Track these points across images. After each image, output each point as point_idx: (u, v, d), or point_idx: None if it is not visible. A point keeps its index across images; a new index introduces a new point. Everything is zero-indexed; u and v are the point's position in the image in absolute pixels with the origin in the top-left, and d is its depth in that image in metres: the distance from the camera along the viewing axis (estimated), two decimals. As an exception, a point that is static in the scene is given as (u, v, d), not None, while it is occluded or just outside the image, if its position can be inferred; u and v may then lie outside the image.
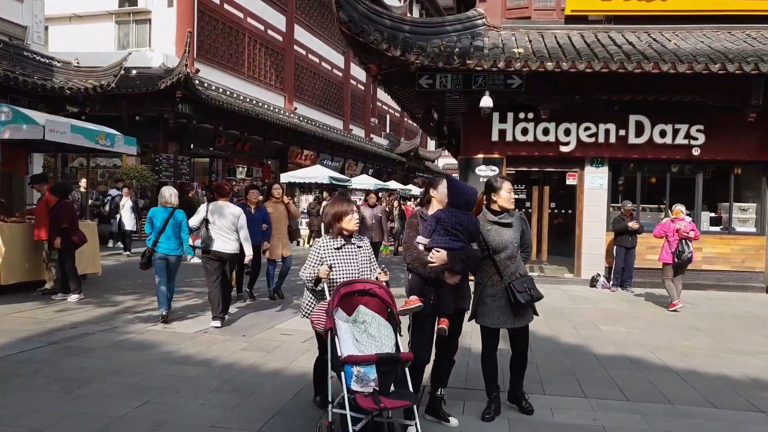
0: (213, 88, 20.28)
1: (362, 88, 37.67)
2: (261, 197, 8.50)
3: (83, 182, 11.50)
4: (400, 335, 3.36)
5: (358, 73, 36.44)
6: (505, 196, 3.84)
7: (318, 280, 3.52)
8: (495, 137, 10.65)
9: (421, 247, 3.60)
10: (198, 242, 6.59)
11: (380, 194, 25.83)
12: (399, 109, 46.74)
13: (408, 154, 43.16)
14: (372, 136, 39.19)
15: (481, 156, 11.01)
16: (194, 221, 6.58)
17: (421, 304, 3.49)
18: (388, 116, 44.69)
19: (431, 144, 57.30)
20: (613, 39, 9.96)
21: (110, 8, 20.75)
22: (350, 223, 3.57)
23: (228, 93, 21.17)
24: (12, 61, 12.50)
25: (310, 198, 16.56)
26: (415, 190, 33.06)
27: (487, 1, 11.04)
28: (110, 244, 14.38)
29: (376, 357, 3.09)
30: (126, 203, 13.50)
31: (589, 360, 5.66)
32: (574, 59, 8.93)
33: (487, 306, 3.76)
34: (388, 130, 44.31)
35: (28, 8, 13.63)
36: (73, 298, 7.54)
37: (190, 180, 20.10)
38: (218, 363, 5.02)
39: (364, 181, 23.62)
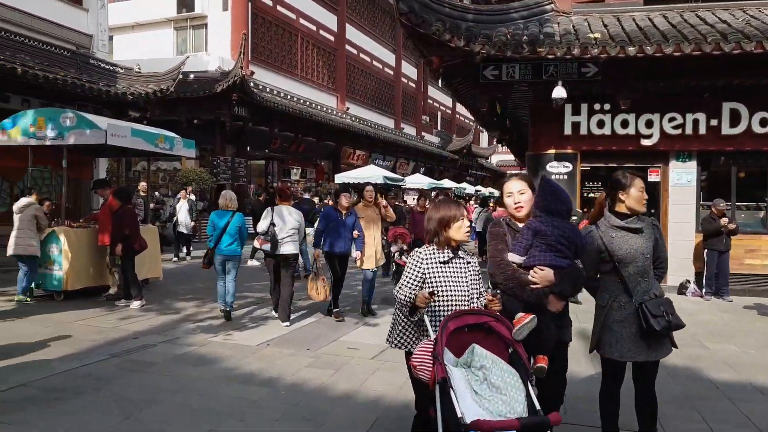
0: (268, 90, 20.28)
1: (413, 85, 37.21)
2: (353, 200, 7.50)
3: (143, 185, 11.34)
4: (532, 385, 2.50)
5: (409, 70, 36.05)
6: (636, 195, 3.15)
7: (414, 308, 2.73)
8: (568, 131, 9.93)
9: (514, 265, 2.94)
10: (266, 246, 6.80)
11: (433, 193, 25.35)
12: (450, 105, 46.41)
13: (460, 151, 42.35)
14: (423, 134, 38.65)
15: (552, 151, 10.30)
16: (262, 225, 6.81)
17: (534, 316, 2.70)
18: (439, 113, 44.03)
19: (484, 140, 56.36)
20: (702, 18, 9.06)
21: (169, 15, 21.09)
22: (460, 231, 2.83)
23: (282, 95, 21.14)
24: (79, 69, 12.71)
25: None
26: (470, 189, 32.31)
27: (556, -15, 10.31)
28: (175, 257, 12.86)
29: (518, 424, 2.20)
30: (182, 206, 12.97)
31: (704, 387, 4.81)
32: (659, 42, 8.13)
33: (614, 334, 3.04)
34: (439, 128, 43.68)
35: (93, 17, 13.88)
36: (135, 304, 7.42)
37: (247, 182, 20.18)
38: (284, 382, 4.64)
39: (417, 180, 23.13)
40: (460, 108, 49.17)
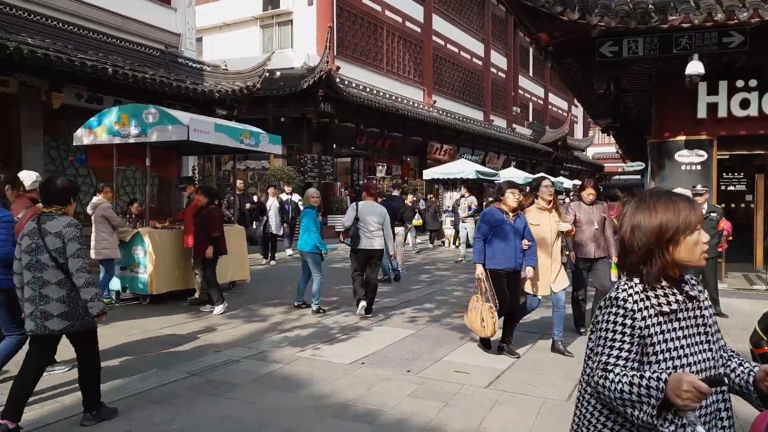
0: (353, 85, 19.77)
1: (503, 75, 35.63)
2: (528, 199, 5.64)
3: (240, 183, 11.03)
4: None
5: (498, 60, 34.52)
6: None
7: (665, 407, 1.38)
8: (702, 113, 8.51)
9: None
10: (348, 240, 6.96)
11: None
12: (542, 96, 44.17)
13: (555, 143, 40.11)
14: (514, 126, 36.91)
15: (682, 138, 8.92)
16: (347, 220, 6.89)
17: None
18: (530, 104, 42.03)
19: (578, 131, 53.34)
20: None
21: (255, 13, 21.12)
22: (695, 251, 1.54)
23: (368, 90, 20.57)
24: (167, 68, 12.68)
25: (455, 195, 15.22)
26: (567, 183, 30.35)
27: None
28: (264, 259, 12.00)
29: None
30: (273, 204, 12.12)
31: None
32: (830, -1, 6.63)
33: None
34: (531, 119, 41.66)
35: (181, 16, 13.86)
36: (218, 309, 6.95)
37: (334, 180, 19.80)
38: (384, 418, 3.85)
39: (512, 175, 21.75)
40: (553, 98, 46.83)
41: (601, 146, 55.32)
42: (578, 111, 54.56)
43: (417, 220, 14.75)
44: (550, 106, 46.10)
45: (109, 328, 6.13)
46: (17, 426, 3.37)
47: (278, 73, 18.09)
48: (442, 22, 27.58)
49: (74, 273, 3.39)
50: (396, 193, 11.39)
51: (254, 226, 11.73)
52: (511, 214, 5.24)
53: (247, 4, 21.21)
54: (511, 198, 5.26)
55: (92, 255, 7.03)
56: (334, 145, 20.24)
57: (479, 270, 5.23)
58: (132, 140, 7.20)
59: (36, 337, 3.49)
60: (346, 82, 19.28)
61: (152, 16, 13.11)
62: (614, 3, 7.83)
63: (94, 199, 7.18)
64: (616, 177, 52.90)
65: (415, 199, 14.52)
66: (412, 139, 24.04)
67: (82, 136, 7.56)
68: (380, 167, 24.61)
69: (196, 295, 7.62)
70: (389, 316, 7.02)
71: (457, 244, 14.50)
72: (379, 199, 9.72)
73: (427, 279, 10.34)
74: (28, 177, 4.93)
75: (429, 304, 7.89)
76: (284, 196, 12.86)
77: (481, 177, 17.05)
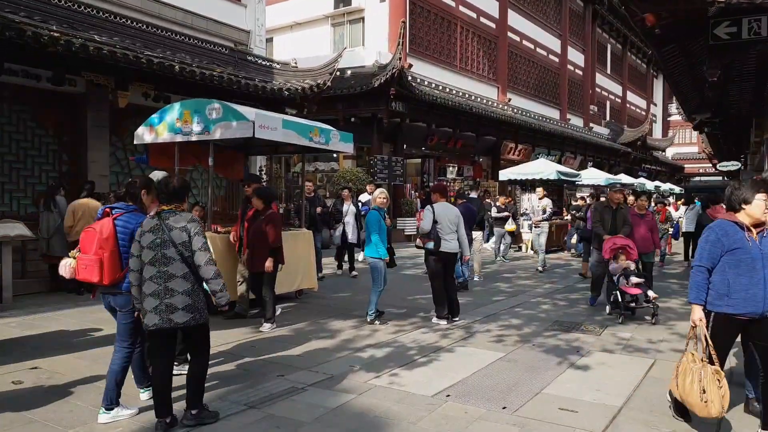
0: (425, 83, 19.02)
1: (580, 73, 33.86)
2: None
3: (309, 185, 10.00)
4: None
5: (575, 57, 32.86)
6: None
7: None
8: None
9: None
10: (430, 244, 6.65)
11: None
12: (620, 94, 41.85)
13: (634, 143, 37.94)
14: (591, 125, 35.01)
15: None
16: (426, 224, 6.64)
17: None
18: (608, 102, 39.84)
19: (657, 131, 50.28)
20: None
21: (326, 11, 20.77)
22: None
23: (440, 88, 19.76)
24: (236, 66, 12.40)
25: (533, 197, 14.08)
26: (649, 185, 28.40)
27: None
28: (338, 269, 10.84)
29: None
30: (349, 209, 10.50)
31: None
32: None
33: None
34: (608, 118, 39.48)
35: (251, 13, 13.59)
36: (267, 327, 6.21)
37: (404, 181, 19.12)
38: (484, 478, 3.06)
39: (593, 176, 20.36)
40: (631, 96, 44.30)
41: (681, 146, 52.17)
42: (657, 110, 51.52)
43: (510, 226, 13.66)
44: (628, 105, 43.63)
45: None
46: (173, 418, 3.62)
47: (349, 72, 17.63)
48: (518, 18, 26.36)
49: (203, 266, 3.53)
50: (474, 194, 10.48)
51: (331, 233, 10.41)
52: (755, 231, 3.52)
53: (318, 2, 20.90)
54: (762, 206, 3.47)
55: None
56: (405, 146, 19.57)
57: (698, 314, 3.58)
58: (194, 138, 6.74)
59: (158, 331, 3.56)
60: (418, 80, 18.57)
61: (222, 12, 12.88)
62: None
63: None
64: (697, 178, 49.71)
65: (508, 200, 13.72)
66: (485, 138, 23.05)
67: (143, 134, 7.19)
68: (451, 168, 23.74)
69: (237, 308, 6.82)
70: (472, 334, 6.20)
71: (535, 249, 13.38)
72: (459, 201, 8.98)
73: (507, 289, 9.42)
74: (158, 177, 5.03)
75: (515, 319, 7.00)
76: (364, 197, 11.47)
77: (563, 178, 15.83)
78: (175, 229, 3.56)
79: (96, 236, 3.73)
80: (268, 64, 13.50)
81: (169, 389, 3.64)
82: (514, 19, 26.01)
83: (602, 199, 10.91)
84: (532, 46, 27.98)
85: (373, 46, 18.99)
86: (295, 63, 14.04)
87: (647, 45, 8.02)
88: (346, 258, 10.75)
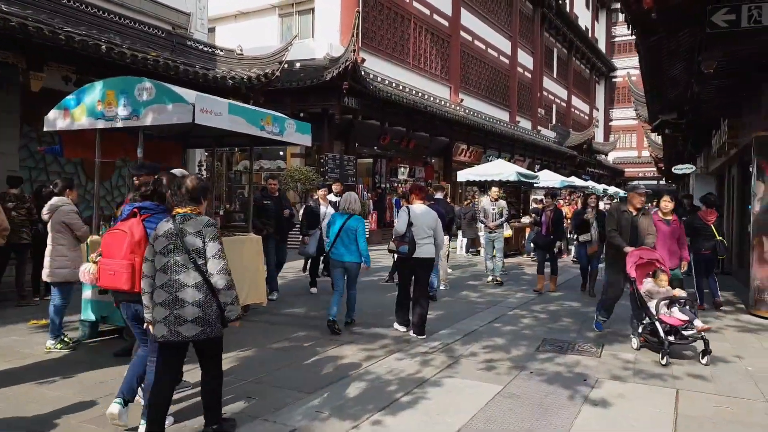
0: (378, 79, 18.10)
1: (529, 75, 33.90)
2: None
3: (273, 183, 8.37)
4: None
5: (524, 59, 32.86)
6: None
7: None
8: None
9: None
10: (403, 248, 6.18)
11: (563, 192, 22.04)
12: (566, 98, 42.32)
13: (580, 146, 38.53)
14: (539, 128, 35.13)
15: (805, 131, 7.15)
16: (401, 226, 6.25)
17: None
18: (554, 106, 40.27)
19: (599, 136, 51.41)
20: None
21: (274, 1, 19.53)
22: None
23: (394, 85, 18.89)
24: (174, 51, 11.08)
25: (486, 199, 13.32)
26: (598, 188, 28.59)
27: None
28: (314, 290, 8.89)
29: None
30: (327, 212, 8.63)
31: None
32: None
33: None
34: (554, 122, 39.87)
35: (190, -6, 12.25)
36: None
37: (355, 182, 18.13)
38: None
39: (549, 178, 20.02)
40: (576, 101, 45.00)
41: (622, 151, 53.60)
42: (599, 114, 52.72)
43: (507, 231, 12.41)
44: (572, 109, 44.34)
45: (67, 385, 4.42)
46: None
47: (298, 65, 16.50)
48: (470, 17, 25.91)
49: (215, 274, 3.27)
50: (439, 195, 9.59)
51: (305, 241, 8.69)
52: None
53: (264, -9, 19.65)
54: None
55: (44, 276, 5.31)
56: (357, 144, 18.61)
57: None
58: (120, 124, 5.51)
59: (167, 343, 3.33)
60: (371, 76, 17.62)
61: (158, -9, 11.51)
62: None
63: (54, 200, 5.44)
64: (636, 182, 51.35)
65: (466, 202, 12.69)
66: (438, 139, 22.40)
67: (56, 119, 5.87)
68: (402, 169, 22.96)
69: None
70: (456, 359, 5.27)
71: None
72: (427, 203, 8.08)
73: (479, 300, 8.60)
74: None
75: (499, 338, 6.14)
76: (332, 198, 9.56)
77: (522, 179, 15.27)
78: (189, 234, 3.31)
79: (126, 239, 3.47)
80: (210, 50, 12.21)
81: (166, 410, 3.40)
82: (467, 18, 25.53)
83: (595, 202, 9.63)
84: (483, 47, 27.61)
85: (324, 38, 17.92)
86: (241, 50, 12.81)
87: (634, 33, 7.32)
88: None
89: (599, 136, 51.38)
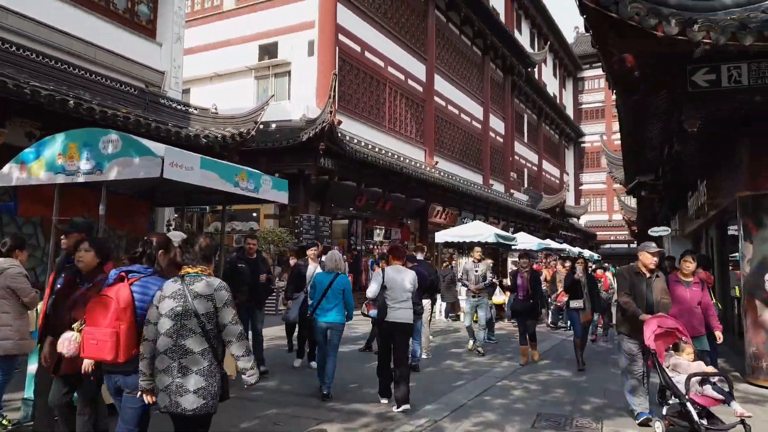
0: (355, 141, 18.10)
1: (501, 140, 34.62)
2: None
3: (252, 243, 7.44)
4: None
5: (496, 124, 33.63)
6: None
7: None
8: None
9: None
10: (373, 312, 6.17)
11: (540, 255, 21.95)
12: (536, 162, 43.23)
13: (552, 209, 39.11)
14: (512, 191, 35.58)
15: (789, 191, 7.11)
16: (373, 290, 6.01)
17: None
18: (525, 170, 41.03)
19: (570, 199, 52.43)
20: None
21: (250, 63, 19.63)
22: None
23: (370, 146, 18.91)
24: (146, 109, 10.79)
25: (468, 260, 13.06)
26: (573, 251, 28.70)
27: (780, -38, 7.35)
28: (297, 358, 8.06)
29: None
30: (316, 272, 7.64)
31: None
32: None
33: None
34: (526, 185, 40.52)
35: (166, 53, 12.10)
36: None
37: (331, 244, 17.73)
38: None
39: (526, 240, 19.93)
40: (547, 165, 45.99)
41: (593, 214, 54.60)
42: (569, 179, 53.95)
43: (499, 297, 11.80)
44: (543, 173, 45.30)
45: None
46: None
47: (273, 125, 16.42)
48: (444, 83, 26.52)
49: (234, 341, 3.13)
50: (419, 256, 9.23)
51: (286, 306, 7.96)
52: None
53: (241, 53, 19.76)
54: None
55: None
56: (332, 205, 18.35)
57: None
58: (82, 179, 5.11)
59: (168, 414, 3.11)
60: (348, 138, 17.60)
61: (133, 49, 11.33)
62: (719, 19, 6.17)
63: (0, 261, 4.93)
64: (607, 246, 52.00)
65: (445, 264, 12.20)
66: (414, 201, 22.34)
67: (12, 174, 5.43)
68: (378, 230, 22.72)
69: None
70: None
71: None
72: (409, 264, 7.73)
73: (463, 369, 8.11)
74: (178, 238, 4.36)
75: (489, 413, 5.66)
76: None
77: (501, 241, 15.09)
78: (201, 297, 3.12)
79: (111, 305, 3.22)
80: (184, 108, 11.97)
81: None
82: (440, 84, 26.12)
83: (583, 265, 8.98)
84: (457, 112, 28.16)
85: (300, 100, 17.93)
86: (215, 109, 12.62)
87: (615, 92, 7.33)
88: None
89: (570, 200, 52.39)
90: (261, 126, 13.79)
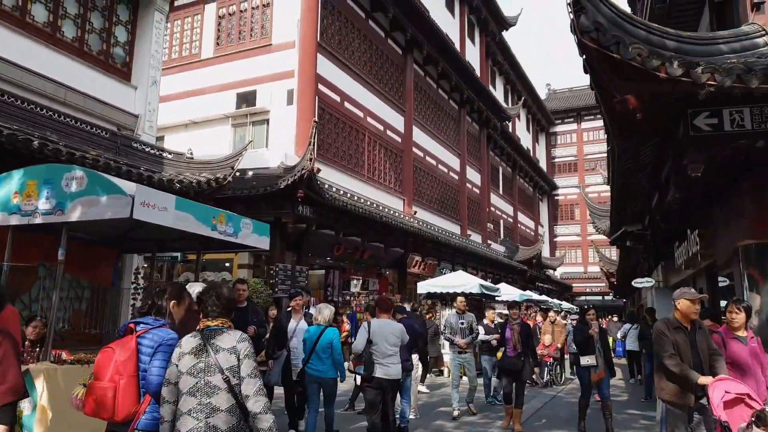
0: (334, 189, 17.72)
1: (477, 191, 34.74)
2: None
3: (242, 289, 6.69)
4: None
5: (473, 176, 33.82)
6: None
7: None
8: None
9: None
10: (361, 368, 5.80)
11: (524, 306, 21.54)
12: (512, 214, 43.46)
13: (529, 261, 39.06)
14: (489, 242, 35.46)
15: (795, 239, 6.87)
16: (359, 344, 5.83)
17: None
18: (501, 221, 41.14)
19: (545, 251, 52.69)
20: None
21: (227, 111, 19.32)
22: None
23: (349, 195, 18.55)
24: (117, 152, 10.26)
25: (451, 312, 12.47)
26: (553, 302, 28.51)
27: (767, 11, 7.37)
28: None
29: None
30: (299, 328, 7.17)
31: None
32: None
33: None
34: (502, 236, 40.55)
35: (141, 96, 11.66)
36: None
37: (307, 295, 17.04)
38: None
39: (508, 291, 19.57)
40: (522, 217, 46.28)
41: (568, 266, 54.85)
42: (544, 231, 54.39)
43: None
44: (519, 225, 45.55)
45: None
46: None
47: (251, 173, 15.98)
48: (422, 135, 26.63)
49: (252, 396, 2.90)
50: (408, 306, 8.64)
51: (268, 367, 6.90)
52: None
53: (218, 101, 19.46)
54: None
55: None
56: (309, 255, 17.74)
57: None
58: (39, 220, 4.53)
59: None
60: (326, 186, 17.22)
61: (106, 91, 10.87)
62: (720, 62, 6.05)
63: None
64: (582, 297, 52.12)
65: (429, 316, 11.46)
66: (393, 250, 21.89)
67: (-42, 213, 4.83)
68: (356, 281, 22.09)
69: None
70: None
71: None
72: (398, 316, 7.24)
73: (456, 431, 7.46)
74: (197, 288, 4.16)
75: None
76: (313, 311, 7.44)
77: (485, 292, 14.64)
78: (223, 350, 2.97)
79: (113, 358, 3.06)
80: (157, 153, 11.46)
81: None
82: (419, 136, 26.20)
83: (593, 317, 8.10)
84: (434, 162, 28.19)
85: (279, 148, 17.59)
86: (191, 154, 12.14)
87: (610, 136, 7.11)
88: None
89: (545, 252, 52.64)
90: (237, 173, 13.35)
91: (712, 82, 5.80)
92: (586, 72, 6.35)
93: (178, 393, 2.92)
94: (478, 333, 9.53)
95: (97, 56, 10.97)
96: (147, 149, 11.14)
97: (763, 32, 7.18)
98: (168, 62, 20.05)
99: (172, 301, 3.44)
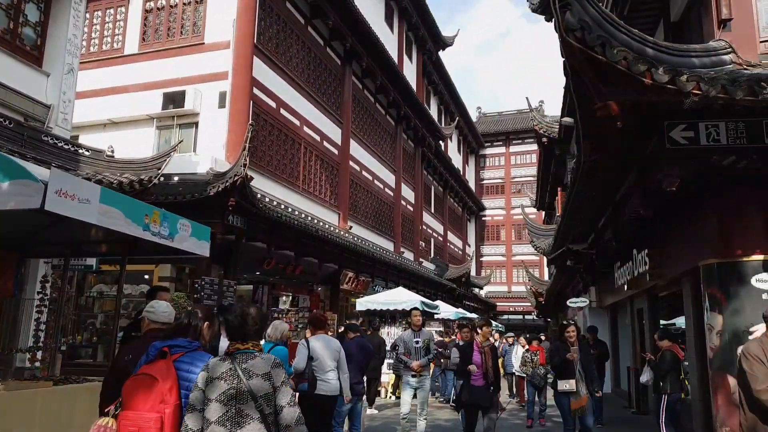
0: (267, 200, 16.68)
1: (411, 209, 34.56)
2: None
3: (204, 327, 5.81)
4: None
5: (407, 193, 33.62)
6: None
7: None
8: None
9: None
10: (304, 386, 5.64)
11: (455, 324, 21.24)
12: (442, 233, 43.66)
13: (459, 279, 39.21)
14: (421, 260, 35.29)
15: (759, 258, 6.75)
16: (300, 362, 5.68)
17: None
18: (432, 240, 41.22)
19: (472, 270, 53.40)
20: None
21: (152, 111, 17.84)
22: None
23: (283, 206, 17.56)
24: (24, 145, 8.90)
25: (398, 330, 11.90)
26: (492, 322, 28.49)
27: (733, 29, 7.33)
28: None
29: None
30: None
31: None
32: None
33: None
34: (433, 255, 40.60)
35: (55, 84, 10.29)
36: None
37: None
38: None
39: (445, 309, 19.19)
40: (451, 236, 46.60)
41: (493, 285, 55.81)
42: (471, 250, 55.19)
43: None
44: (448, 244, 45.89)
45: None
46: None
47: (176, 178, 14.65)
48: (359, 149, 26.08)
49: (294, 427, 2.78)
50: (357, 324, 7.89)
51: None
52: None
53: (142, 101, 17.94)
54: None
55: None
56: (238, 268, 16.55)
57: None
58: None
59: None
60: (259, 196, 16.15)
61: (11, 76, 9.46)
62: (703, 73, 5.83)
63: None
64: (505, 316, 53.15)
65: (369, 332, 10.58)
66: (327, 266, 20.99)
67: None
68: (285, 298, 20.98)
69: None
70: None
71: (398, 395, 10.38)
72: (351, 335, 6.69)
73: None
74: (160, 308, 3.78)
75: None
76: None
77: (426, 309, 14.10)
78: (256, 376, 2.75)
79: (155, 386, 2.81)
80: (72, 149, 10.12)
81: None
82: (356, 149, 25.62)
83: (574, 334, 7.41)
84: (371, 178, 27.68)
85: (208, 153, 16.37)
86: (112, 151, 10.86)
87: (581, 147, 6.76)
88: None
89: (472, 271, 53.32)
90: (161, 178, 12.14)
91: (697, 91, 5.55)
92: (565, 74, 5.95)
93: (204, 421, 2.73)
94: (436, 352, 8.74)
95: (2, 35, 9.58)
96: (60, 144, 9.79)
97: (730, 50, 7.08)
98: (86, 56, 18.34)
99: (206, 323, 3.33)
